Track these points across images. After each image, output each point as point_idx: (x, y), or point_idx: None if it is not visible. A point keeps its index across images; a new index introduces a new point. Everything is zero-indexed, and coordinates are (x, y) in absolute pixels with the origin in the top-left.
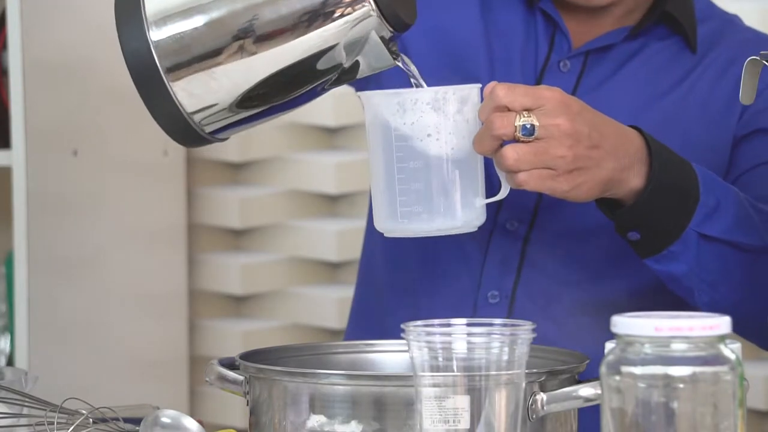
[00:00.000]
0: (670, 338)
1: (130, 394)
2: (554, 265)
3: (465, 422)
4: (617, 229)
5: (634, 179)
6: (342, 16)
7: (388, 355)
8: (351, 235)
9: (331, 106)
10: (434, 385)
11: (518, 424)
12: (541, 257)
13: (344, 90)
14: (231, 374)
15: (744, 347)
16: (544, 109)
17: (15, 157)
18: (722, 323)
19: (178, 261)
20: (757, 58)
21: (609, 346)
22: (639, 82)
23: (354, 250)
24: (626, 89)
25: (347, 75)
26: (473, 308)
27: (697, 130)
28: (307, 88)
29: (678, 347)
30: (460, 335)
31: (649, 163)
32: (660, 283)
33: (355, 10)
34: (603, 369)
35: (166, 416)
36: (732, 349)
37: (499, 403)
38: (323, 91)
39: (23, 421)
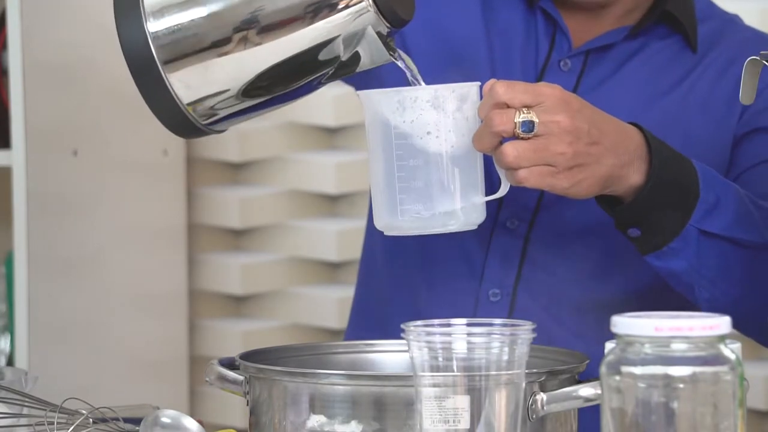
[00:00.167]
0: (670, 338)
1: (130, 394)
2: (555, 264)
3: (465, 422)
4: (617, 226)
5: (634, 176)
6: (340, 10)
7: (388, 355)
8: (351, 235)
9: (331, 106)
10: (434, 385)
11: (518, 424)
12: (542, 255)
13: (344, 90)
14: (231, 374)
15: (744, 347)
16: (544, 106)
17: (15, 157)
18: (722, 323)
19: (178, 261)
20: (757, 58)
21: (609, 346)
22: (639, 81)
23: (354, 250)
24: (626, 88)
25: (344, 69)
26: (474, 307)
27: (697, 129)
28: (304, 81)
29: (678, 347)
30: (460, 335)
31: (649, 159)
32: (661, 282)
33: (352, 5)
34: (603, 369)
35: (166, 416)
36: (732, 349)
37: (499, 403)
38: (320, 84)
39: (23, 421)
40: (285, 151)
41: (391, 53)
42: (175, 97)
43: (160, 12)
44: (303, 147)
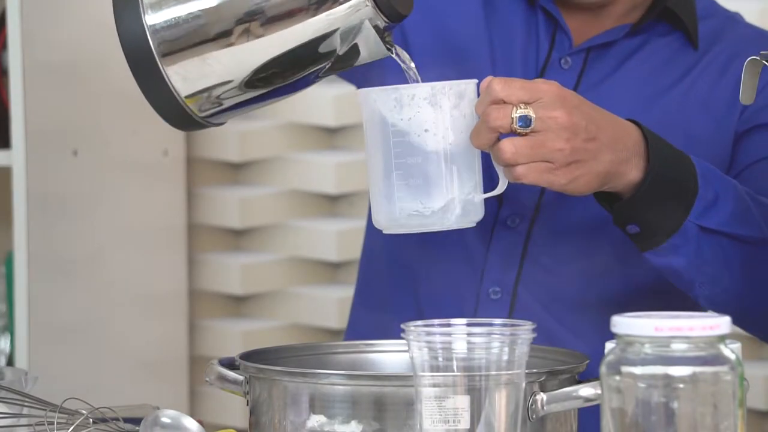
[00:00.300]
0: (670, 338)
1: (130, 394)
2: (556, 262)
3: (465, 422)
4: (616, 223)
5: (632, 172)
6: (339, 3)
7: (388, 355)
8: (351, 235)
9: (331, 106)
10: (434, 385)
11: (518, 424)
12: (543, 253)
13: (344, 90)
14: (231, 374)
15: (744, 347)
16: (541, 102)
17: (15, 157)
18: (722, 323)
19: (178, 261)
20: (757, 58)
21: (609, 346)
22: (640, 79)
23: (354, 250)
24: (627, 86)
25: (342, 63)
26: (475, 304)
27: (698, 126)
28: (302, 74)
29: (678, 347)
30: (460, 335)
31: (647, 156)
32: (661, 280)
33: None
34: (603, 369)
35: (166, 416)
36: (732, 349)
37: (499, 403)
38: (318, 78)
39: (23, 421)
40: (285, 151)
41: (388, 47)
42: (172, 89)
43: (158, 4)
44: (303, 147)
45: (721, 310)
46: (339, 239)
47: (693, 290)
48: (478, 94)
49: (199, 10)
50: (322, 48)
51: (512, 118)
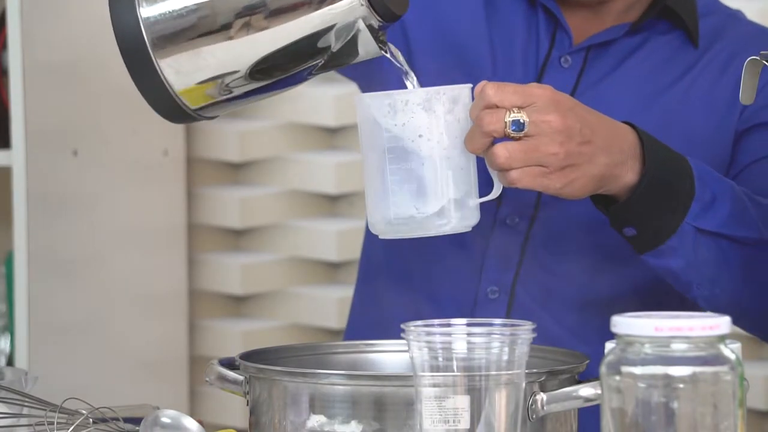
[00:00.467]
0: (670, 338)
1: (130, 394)
2: (555, 261)
3: (465, 422)
4: (612, 225)
5: (628, 175)
6: (332, 2)
7: (388, 355)
8: (351, 235)
9: (331, 106)
10: (434, 385)
11: (518, 424)
12: (542, 253)
13: (344, 90)
14: (231, 374)
15: (744, 347)
16: (535, 106)
17: (15, 157)
18: (722, 323)
19: (178, 261)
20: (757, 58)
21: (609, 346)
22: (640, 77)
23: (354, 250)
24: (627, 84)
25: (335, 61)
26: (473, 304)
27: (699, 125)
28: (296, 70)
29: (678, 347)
30: (460, 335)
31: (643, 158)
32: (660, 280)
33: None
34: (603, 369)
35: (166, 416)
36: (732, 349)
37: (499, 403)
38: (311, 75)
39: (23, 421)
40: (285, 151)
41: (381, 47)
42: (165, 82)
43: None
44: (303, 147)
45: (719, 310)
46: (339, 239)
47: (691, 291)
48: (473, 98)
49: (194, 4)
50: (319, 44)
51: (505, 123)
